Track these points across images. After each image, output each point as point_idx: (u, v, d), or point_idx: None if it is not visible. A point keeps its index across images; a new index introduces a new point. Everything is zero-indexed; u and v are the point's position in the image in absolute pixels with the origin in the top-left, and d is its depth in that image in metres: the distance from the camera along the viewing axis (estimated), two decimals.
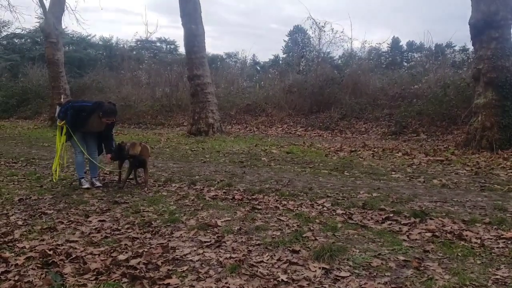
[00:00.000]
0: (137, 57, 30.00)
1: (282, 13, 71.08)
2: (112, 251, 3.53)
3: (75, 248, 3.59)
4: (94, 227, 4.21)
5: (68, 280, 2.94)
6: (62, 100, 17.96)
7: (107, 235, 3.97)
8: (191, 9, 14.55)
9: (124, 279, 2.96)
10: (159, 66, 24.39)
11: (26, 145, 11.68)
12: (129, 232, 4.04)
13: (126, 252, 3.48)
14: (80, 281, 2.93)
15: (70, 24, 69.38)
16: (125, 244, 3.69)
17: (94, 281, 2.94)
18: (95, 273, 3.06)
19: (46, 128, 17.92)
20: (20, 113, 24.15)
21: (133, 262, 3.24)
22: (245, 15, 77.91)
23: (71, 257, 3.37)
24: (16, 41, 35.59)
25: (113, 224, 4.31)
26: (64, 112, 6.03)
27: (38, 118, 22.64)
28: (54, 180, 6.35)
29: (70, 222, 4.38)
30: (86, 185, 6.09)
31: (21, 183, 6.46)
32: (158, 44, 40.17)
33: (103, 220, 4.45)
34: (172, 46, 40.40)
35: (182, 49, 31.16)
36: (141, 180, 6.45)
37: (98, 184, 6.22)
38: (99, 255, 3.44)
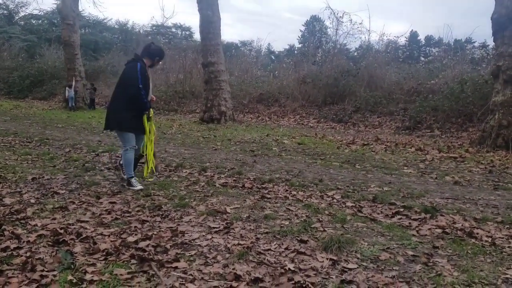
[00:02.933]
0: (152, 42, 30.03)
1: (297, 2, 70.29)
2: (121, 232, 3.57)
3: (86, 228, 3.64)
4: (104, 209, 4.25)
5: (78, 259, 2.98)
6: (73, 82, 18.32)
7: (118, 216, 4.01)
8: None
9: (133, 261, 2.98)
10: (174, 52, 24.43)
11: (40, 125, 11.85)
12: (139, 215, 4.08)
13: (136, 234, 3.51)
14: (89, 261, 2.97)
15: (86, 6, 69.61)
16: (135, 227, 3.73)
17: (103, 261, 2.98)
18: (104, 253, 3.10)
19: (61, 110, 18.16)
20: (35, 94, 24.50)
21: (142, 244, 3.27)
22: (260, 3, 77.31)
23: (82, 237, 3.41)
24: (33, 22, 35.98)
25: (124, 206, 4.35)
26: (145, 102, 5.10)
27: (53, 100, 22.96)
28: (147, 174, 5.46)
29: (82, 203, 4.44)
30: (139, 186, 5.09)
31: (35, 162, 6.56)
32: (173, 30, 40.21)
33: (114, 202, 4.49)
34: (187, 32, 40.44)
35: (197, 36, 31.07)
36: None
37: (138, 185, 5.14)
38: (109, 236, 3.48)
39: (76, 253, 3.09)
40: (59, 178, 5.52)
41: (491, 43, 11.28)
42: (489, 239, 3.58)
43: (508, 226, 3.99)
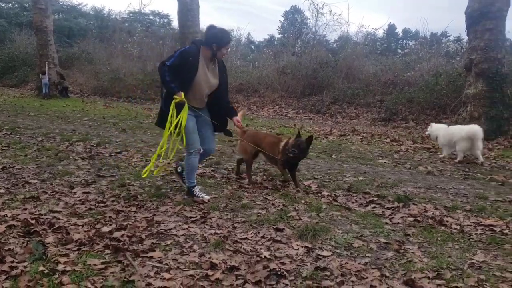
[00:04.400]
0: (129, 29, 29.34)
1: None
2: (96, 222, 3.52)
3: (59, 219, 3.57)
4: (78, 199, 4.18)
5: (50, 250, 2.93)
6: (46, 68, 17.70)
7: (92, 207, 3.95)
8: None
9: (107, 251, 2.95)
10: (151, 40, 23.94)
11: (11, 114, 11.47)
12: (114, 205, 4.03)
13: (110, 225, 3.47)
14: (62, 251, 2.92)
15: None
16: (110, 217, 3.68)
17: (77, 252, 2.93)
18: (77, 243, 3.05)
19: (33, 98, 17.62)
20: (5, 81, 23.66)
21: (117, 234, 3.24)
22: None
23: (54, 227, 3.35)
24: (3, 5, 34.49)
25: (98, 197, 4.28)
26: (168, 81, 4.07)
27: (24, 87, 22.22)
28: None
29: (54, 193, 4.34)
30: (205, 196, 4.32)
31: (5, 151, 6.35)
32: (151, 17, 39.32)
33: (88, 192, 4.42)
34: (165, 20, 39.61)
35: (175, 23, 30.56)
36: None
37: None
38: (82, 226, 3.43)
39: (48, 243, 3.04)
40: (31, 168, 5.38)
41: (465, 37, 11.53)
42: (458, 227, 3.70)
43: (476, 214, 4.14)
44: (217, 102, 4.35)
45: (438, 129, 7.71)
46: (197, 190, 4.37)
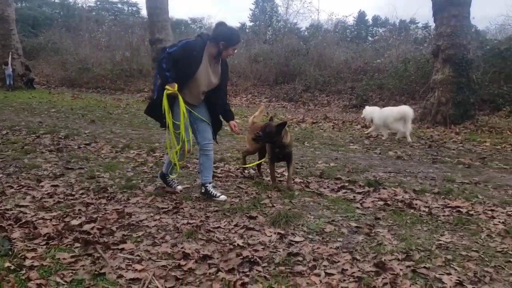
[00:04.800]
0: (97, 18, 28.44)
1: None
2: (64, 216, 3.42)
3: (25, 213, 3.45)
4: (46, 192, 4.05)
5: (17, 245, 2.83)
6: (9, 59, 16.94)
7: (60, 200, 3.84)
8: None
9: (77, 244, 2.88)
10: (120, 29, 23.33)
11: None
12: (83, 198, 3.93)
13: (80, 217, 3.38)
14: (29, 246, 2.83)
15: None
16: (79, 210, 3.59)
17: (45, 246, 2.85)
18: (46, 238, 2.96)
19: None
20: None
21: (86, 227, 3.16)
22: None
23: (21, 222, 3.24)
24: None
25: (67, 189, 4.17)
26: (164, 68, 3.74)
27: None
28: (175, 174, 4.25)
29: (21, 187, 4.20)
30: (179, 186, 4.33)
31: None
32: (119, 5, 38.31)
33: (56, 185, 4.29)
34: (134, 8, 38.68)
35: (144, 12, 29.83)
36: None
37: (220, 196, 4.00)
38: (50, 220, 3.33)
39: (15, 239, 2.94)
40: None
41: (433, 23, 11.75)
42: (426, 209, 3.82)
43: (443, 196, 4.28)
44: (213, 102, 4.07)
45: (372, 112, 8.22)
46: (170, 179, 4.31)
